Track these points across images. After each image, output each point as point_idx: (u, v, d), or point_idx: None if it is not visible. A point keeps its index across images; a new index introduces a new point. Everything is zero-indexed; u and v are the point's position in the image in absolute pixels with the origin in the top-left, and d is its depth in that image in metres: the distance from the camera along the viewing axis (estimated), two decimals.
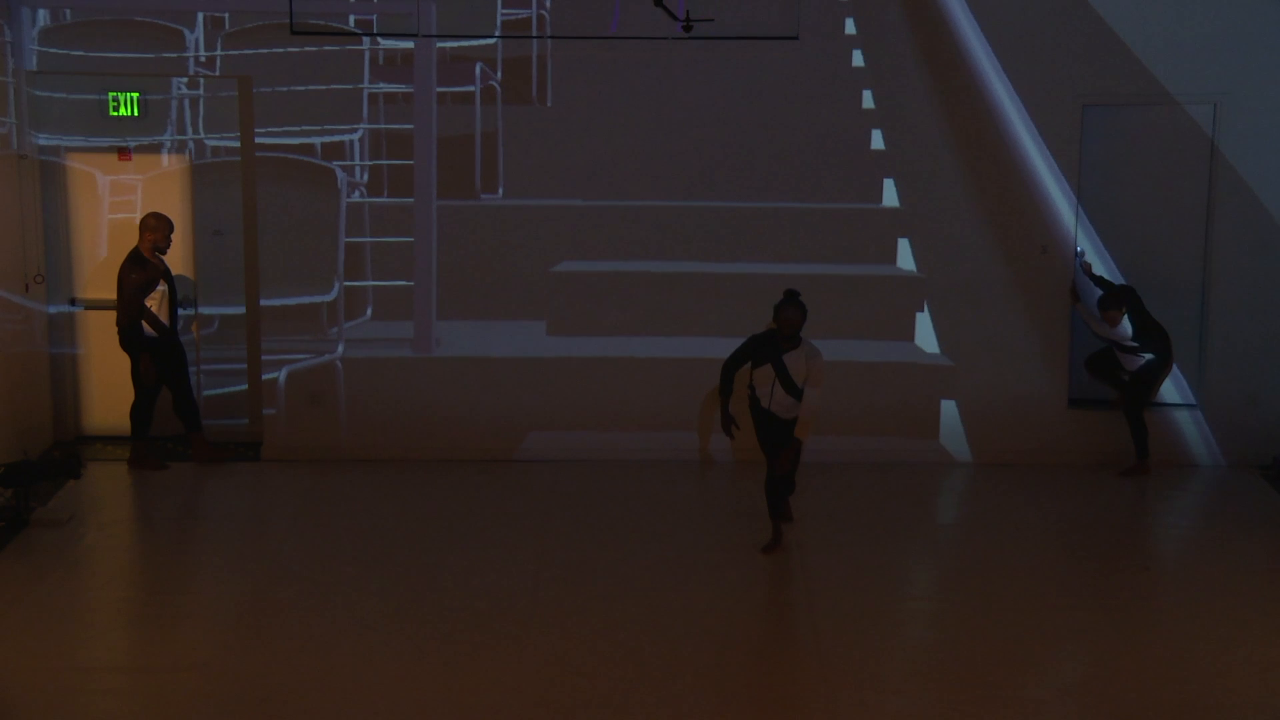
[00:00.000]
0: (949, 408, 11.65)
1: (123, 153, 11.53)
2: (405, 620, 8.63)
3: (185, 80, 11.48)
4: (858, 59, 11.46)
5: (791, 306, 9.39)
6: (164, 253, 11.10)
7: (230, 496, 10.95)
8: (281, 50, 11.34)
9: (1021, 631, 8.66)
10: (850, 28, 11.45)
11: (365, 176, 11.53)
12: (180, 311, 11.42)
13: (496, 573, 9.37)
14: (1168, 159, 11.45)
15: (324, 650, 8.26)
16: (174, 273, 11.29)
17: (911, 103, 11.41)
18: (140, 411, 11.21)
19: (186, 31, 11.39)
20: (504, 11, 11.51)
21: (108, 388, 11.76)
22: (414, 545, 9.86)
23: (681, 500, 10.85)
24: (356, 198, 11.52)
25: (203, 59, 11.42)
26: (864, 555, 9.79)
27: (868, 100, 11.50)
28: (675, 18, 9.56)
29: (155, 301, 11.03)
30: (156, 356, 11.06)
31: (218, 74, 11.46)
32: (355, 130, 11.47)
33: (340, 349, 11.66)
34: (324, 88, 11.43)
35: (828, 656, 8.26)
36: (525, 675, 7.96)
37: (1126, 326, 11.07)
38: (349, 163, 11.51)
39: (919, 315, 11.61)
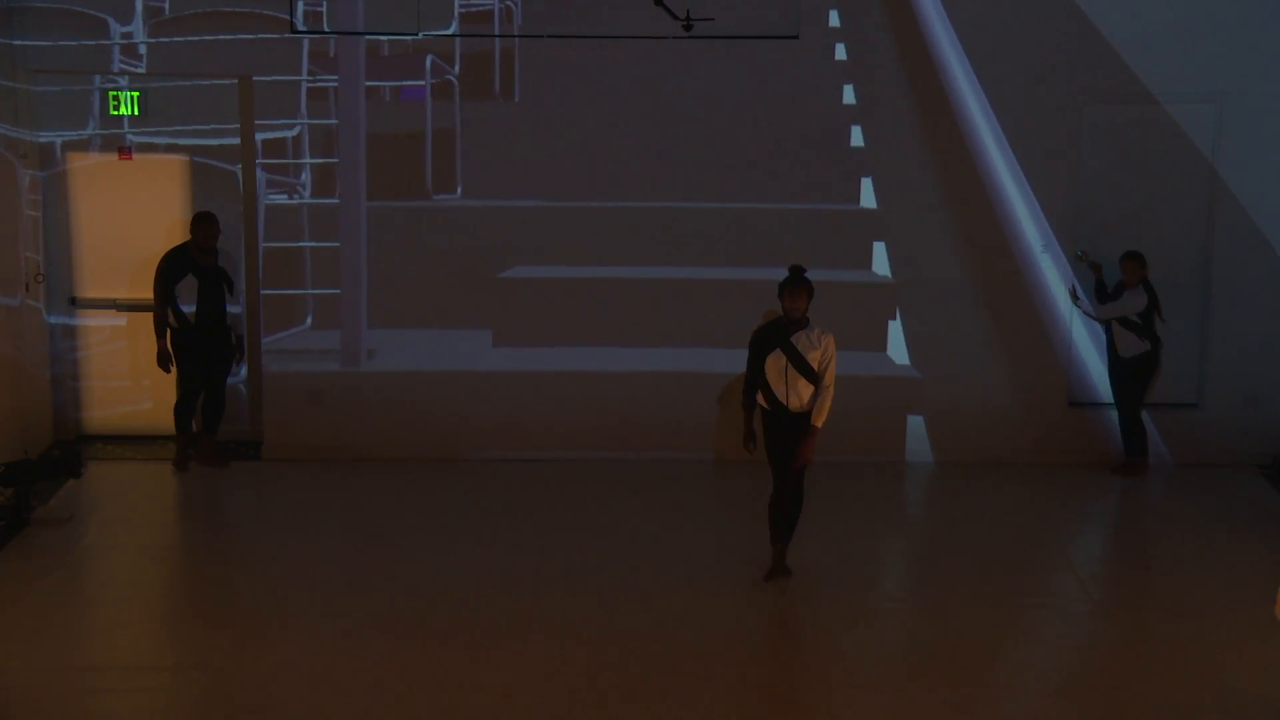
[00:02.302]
0: (924, 412, 11.57)
1: (123, 151, 11.49)
2: (405, 620, 8.63)
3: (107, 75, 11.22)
4: (840, 53, 11.31)
5: (800, 286, 8.74)
6: (205, 250, 10.89)
7: (230, 496, 10.94)
8: (212, 38, 11.05)
9: (1020, 631, 8.67)
10: (834, 20, 11.29)
11: (304, 176, 11.25)
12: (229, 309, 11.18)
13: (495, 572, 9.37)
14: (1168, 159, 11.43)
15: (324, 650, 8.25)
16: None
17: (893, 99, 11.29)
18: (177, 408, 11.16)
19: (111, 20, 11.10)
20: (463, 3, 11.11)
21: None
22: (415, 546, 9.86)
23: (677, 501, 10.83)
24: (296, 199, 11.21)
25: (142, 51, 11.16)
26: (860, 554, 9.78)
27: (849, 95, 11.34)
28: (675, 17, 9.51)
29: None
30: (185, 350, 10.96)
31: (144, 68, 11.20)
32: (293, 127, 11.18)
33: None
34: (264, 79, 11.15)
35: (826, 655, 8.26)
36: (524, 674, 7.96)
37: (1142, 295, 10.99)
38: (272, 160, 11.19)
39: (891, 324, 11.46)
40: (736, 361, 11.13)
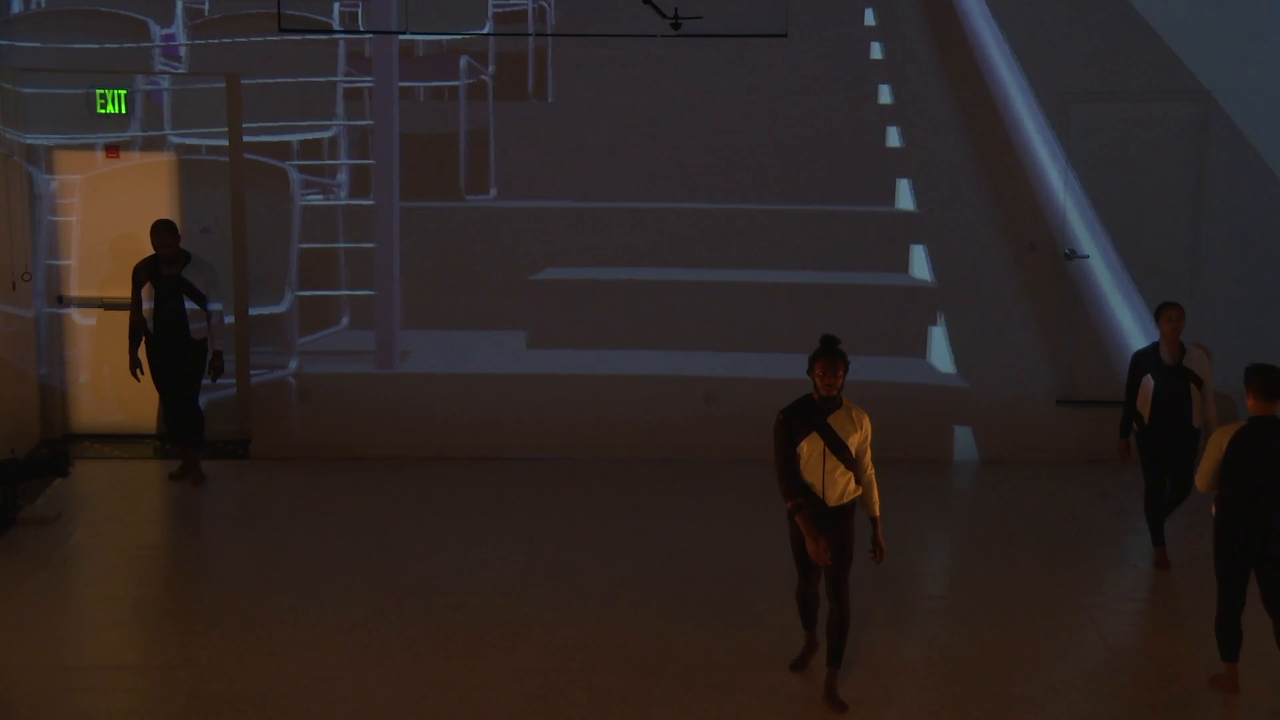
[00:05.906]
0: (965, 421, 11.51)
1: (110, 150, 11.47)
2: (398, 619, 8.61)
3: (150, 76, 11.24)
4: (876, 51, 11.21)
5: (837, 360, 7.54)
6: (163, 259, 10.59)
7: (218, 494, 10.91)
8: (258, 39, 11.02)
9: (1020, 629, 8.65)
10: (870, 18, 11.22)
11: (340, 176, 11.22)
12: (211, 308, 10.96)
13: (488, 571, 9.35)
14: (1157, 156, 11.42)
15: (315, 648, 8.24)
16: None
17: (931, 98, 11.20)
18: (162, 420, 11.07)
19: (151, 23, 11.11)
20: (496, 3, 11.10)
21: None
22: (406, 544, 9.84)
23: (675, 499, 10.82)
24: (331, 200, 11.17)
25: (182, 52, 11.16)
26: (862, 553, 9.76)
27: (885, 95, 11.26)
28: (664, 15, 9.52)
29: None
30: (150, 359, 10.80)
31: (184, 69, 11.22)
32: (329, 128, 11.16)
33: (293, 364, 11.41)
34: (290, 80, 11.11)
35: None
36: (517, 674, 7.94)
37: (1204, 357, 9.68)
38: (306, 161, 11.16)
39: (933, 329, 11.37)
40: (771, 365, 11.14)
